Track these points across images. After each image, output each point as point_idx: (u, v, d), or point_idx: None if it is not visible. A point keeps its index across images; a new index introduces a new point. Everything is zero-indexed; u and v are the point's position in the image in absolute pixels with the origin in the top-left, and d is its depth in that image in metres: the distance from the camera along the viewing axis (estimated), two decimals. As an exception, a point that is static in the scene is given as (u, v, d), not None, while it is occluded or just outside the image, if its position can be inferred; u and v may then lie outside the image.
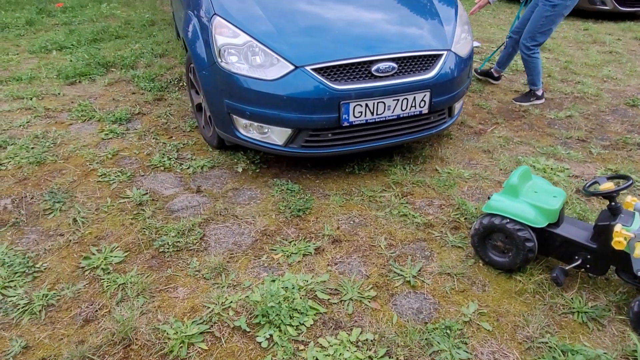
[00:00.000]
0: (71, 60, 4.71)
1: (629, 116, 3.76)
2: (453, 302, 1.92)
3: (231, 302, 1.89)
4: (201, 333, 1.75)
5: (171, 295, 1.94)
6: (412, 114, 2.60)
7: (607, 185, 1.83)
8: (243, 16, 2.53)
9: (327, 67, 2.39)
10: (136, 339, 1.73)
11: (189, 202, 2.56)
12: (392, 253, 2.20)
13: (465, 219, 2.43)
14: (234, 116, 2.58)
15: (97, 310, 1.85)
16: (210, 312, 1.84)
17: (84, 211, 2.45)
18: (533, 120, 3.67)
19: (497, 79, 4.38)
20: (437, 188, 2.72)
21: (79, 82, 4.25)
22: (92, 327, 1.78)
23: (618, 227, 1.73)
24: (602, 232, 1.83)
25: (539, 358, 1.66)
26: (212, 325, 1.79)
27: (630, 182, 1.81)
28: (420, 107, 2.60)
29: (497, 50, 4.69)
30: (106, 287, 1.96)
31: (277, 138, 2.55)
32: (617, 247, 1.73)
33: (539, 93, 3.94)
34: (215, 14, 2.56)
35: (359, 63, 2.42)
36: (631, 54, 5.42)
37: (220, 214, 2.46)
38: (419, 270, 2.08)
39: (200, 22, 2.68)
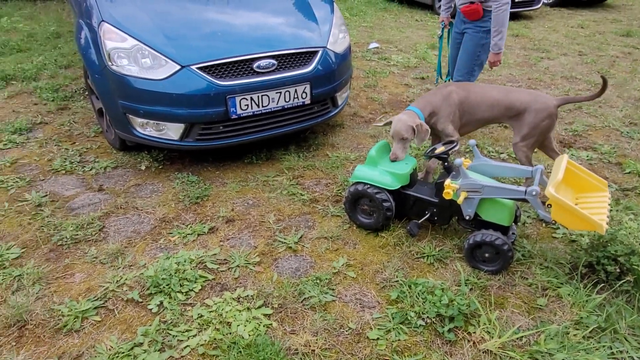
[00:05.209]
0: (-34, 75, 4.55)
1: (496, 100, 4.37)
2: (327, 259, 2.24)
3: (126, 279, 2.07)
4: (95, 308, 1.92)
5: (68, 281, 2.07)
6: (296, 104, 2.92)
7: (440, 149, 2.24)
8: (130, 22, 2.72)
9: (212, 66, 2.64)
10: (31, 319, 1.85)
11: (89, 200, 2.68)
12: (278, 226, 2.48)
13: (346, 193, 2.78)
14: (130, 116, 2.74)
15: (-9, 301, 1.95)
16: (105, 290, 2.01)
17: (-21, 216, 2.49)
18: (417, 108, 4.15)
19: None
20: (325, 170, 3.06)
21: (-24, 96, 4.14)
22: (-14, 316, 1.87)
23: (447, 182, 2.14)
24: (440, 188, 2.24)
25: (390, 292, 2.01)
26: (106, 301, 1.96)
27: (454, 145, 2.23)
28: (302, 98, 2.92)
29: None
30: (2, 280, 2.05)
31: (172, 134, 2.75)
32: (446, 197, 2.14)
33: None
34: (103, 20, 2.71)
35: (241, 61, 2.70)
36: (507, 49, 6.22)
37: (121, 207, 2.61)
38: (301, 237, 2.39)
39: (90, 29, 2.82)
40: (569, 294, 1.99)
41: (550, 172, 2.07)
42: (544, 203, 2.01)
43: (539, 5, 8.05)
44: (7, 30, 6.37)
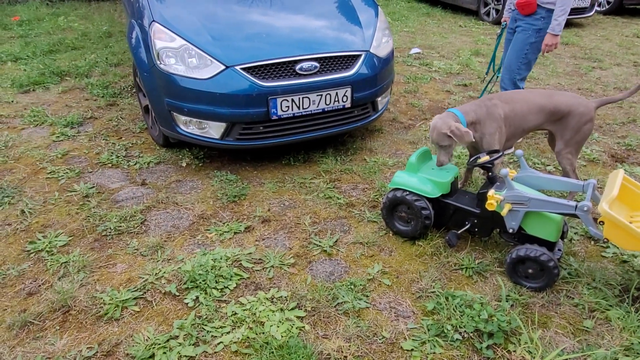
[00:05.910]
0: (25, 70, 4.83)
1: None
2: (361, 265, 2.21)
3: (164, 272, 2.12)
4: (135, 298, 1.97)
5: (110, 270, 2.15)
6: (336, 107, 2.91)
7: (484, 158, 2.17)
8: (179, 23, 2.80)
9: (255, 67, 2.67)
10: (75, 305, 1.93)
11: (133, 193, 2.77)
12: (314, 229, 2.48)
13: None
14: (174, 113, 2.82)
15: (40, 285, 2.04)
16: (144, 281, 2.07)
17: (32, 203, 2.62)
18: (458, 115, 4.05)
19: None
20: (362, 174, 3.03)
21: (33, 90, 4.39)
22: (34, 299, 1.97)
23: (491, 192, 2.07)
24: (482, 198, 2.16)
25: (427, 303, 1.96)
26: (145, 292, 2.01)
27: (500, 154, 2.15)
28: (343, 101, 2.91)
29: (486, 86, 4.10)
30: (49, 266, 2.15)
31: (214, 132, 2.81)
32: (489, 208, 2.06)
33: None
34: (154, 20, 2.81)
35: (283, 62, 2.72)
36: (556, 57, 5.98)
37: (162, 202, 2.68)
38: (336, 241, 2.37)
39: (142, 29, 2.93)
40: (618, 318, 1.87)
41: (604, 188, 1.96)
42: (595, 220, 1.90)
43: (592, 13, 7.69)
44: (63, 29, 6.73)
